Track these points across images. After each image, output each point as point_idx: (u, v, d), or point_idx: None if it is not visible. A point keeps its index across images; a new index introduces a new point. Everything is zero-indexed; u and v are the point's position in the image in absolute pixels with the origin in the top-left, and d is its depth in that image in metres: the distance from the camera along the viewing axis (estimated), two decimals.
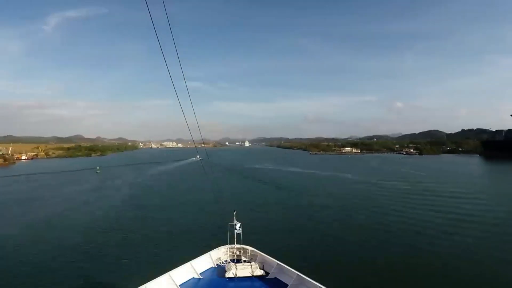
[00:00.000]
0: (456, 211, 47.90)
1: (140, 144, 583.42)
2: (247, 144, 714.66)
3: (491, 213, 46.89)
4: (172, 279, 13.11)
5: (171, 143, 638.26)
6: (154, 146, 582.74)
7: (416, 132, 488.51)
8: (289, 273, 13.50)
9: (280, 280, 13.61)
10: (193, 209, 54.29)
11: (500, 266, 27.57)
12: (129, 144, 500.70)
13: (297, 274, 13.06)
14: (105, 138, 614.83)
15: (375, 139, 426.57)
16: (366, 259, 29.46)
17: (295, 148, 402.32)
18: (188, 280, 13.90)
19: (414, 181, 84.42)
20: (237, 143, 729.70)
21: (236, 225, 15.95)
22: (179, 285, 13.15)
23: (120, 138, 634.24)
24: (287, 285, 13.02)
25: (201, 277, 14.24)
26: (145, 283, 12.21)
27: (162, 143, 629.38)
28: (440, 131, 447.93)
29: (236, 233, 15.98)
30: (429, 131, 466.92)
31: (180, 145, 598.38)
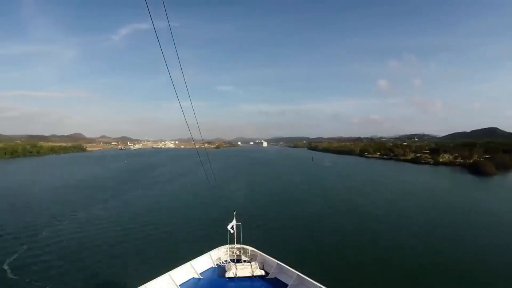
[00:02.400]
0: None
1: (130, 145, 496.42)
2: (264, 144, 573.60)
3: None
4: (172, 279, 13.06)
5: (165, 143, 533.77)
6: (136, 146, 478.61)
7: (468, 130, 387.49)
8: (289, 273, 13.43)
9: (280, 280, 13.55)
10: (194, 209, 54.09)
11: None
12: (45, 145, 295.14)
13: (297, 274, 13.00)
14: (109, 137, 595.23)
15: (415, 139, 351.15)
16: None
17: (372, 156, 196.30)
18: (188, 280, 13.84)
19: None
20: (251, 143, 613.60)
21: (236, 225, 15.93)
22: (179, 285, 13.09)
23: (123, 137, 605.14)
24: (287, 285, 12.96)
25: (201, 277, 14.17)
26: (145, 283, 12.20)
27: (161, 143, 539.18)
28: (500, 129, 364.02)
29: (236, 233, 15.97)
30: (486, 129, 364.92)
31: (171, 145, 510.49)
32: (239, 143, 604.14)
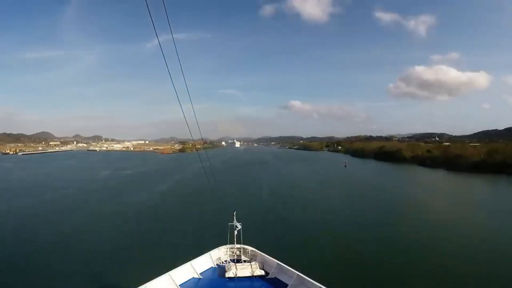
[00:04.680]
0: None
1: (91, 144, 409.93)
2: (237, 145, 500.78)
3: None
4: (172, 279, 13.09)
5: (113, 145, 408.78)
6: (69, 147, 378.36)
7: (500, 128, 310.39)
8: (289, 273, 13.48)
9: (280, 280, 13.59)
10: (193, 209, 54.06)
11: None
12: None
13: (297, 274, 13.04)
14: (83, 136, 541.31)
15: (436, 138, 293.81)
16: None
17: None
18: (188, 280, 13.88)
19: None
20: (223, 143, 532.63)
21: (236, 225, 15.96)
22: (179, 285, 13.12)
23: (95, 136, 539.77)
24: (287, 285, 12.99)
25: (201, 277, 14.21)
26: (145, 283, 12.22)
27: (105, 143, 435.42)
28: None
29: (236, 233, 16.00)
30: None
31: (118, 146, 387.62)
32: (223, 143, 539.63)
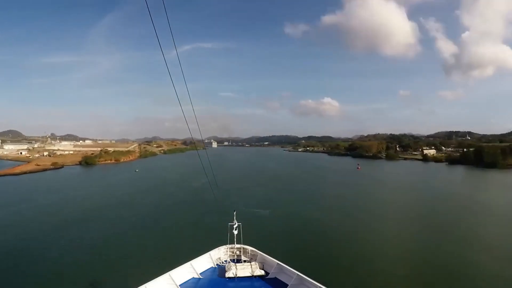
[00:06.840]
0: None
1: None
2: (214, 145, 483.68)
3: None
4: (172, 279, 13.07)
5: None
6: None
7: None
8: (289, 273, 13.45)
9: (280, 280, 13.57)
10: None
11: None
12: None
13: (297, 274, 13.02)
14: (56, 135, 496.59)
15: (467, 137, 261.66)
16: None
17: None
18: (188, 280, 13.86)
19: None
20: (208, 141, 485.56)
21: (236, 225, 15.95)
22: (179, 285, 13.10)
23: (68, 135, 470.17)
24: (287, 285, 12.98)
25: (201, 277, 14.19)
26: (145, 283, 12.21)
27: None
28: None
29: (236, 233, 15.98)
30: None
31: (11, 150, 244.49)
32: (212, 141, 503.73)
